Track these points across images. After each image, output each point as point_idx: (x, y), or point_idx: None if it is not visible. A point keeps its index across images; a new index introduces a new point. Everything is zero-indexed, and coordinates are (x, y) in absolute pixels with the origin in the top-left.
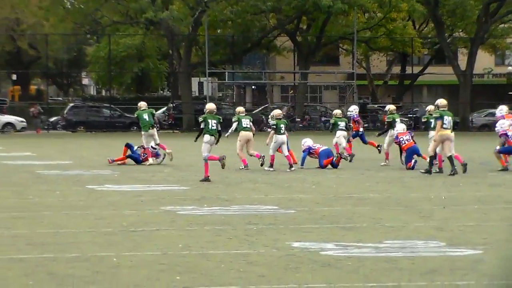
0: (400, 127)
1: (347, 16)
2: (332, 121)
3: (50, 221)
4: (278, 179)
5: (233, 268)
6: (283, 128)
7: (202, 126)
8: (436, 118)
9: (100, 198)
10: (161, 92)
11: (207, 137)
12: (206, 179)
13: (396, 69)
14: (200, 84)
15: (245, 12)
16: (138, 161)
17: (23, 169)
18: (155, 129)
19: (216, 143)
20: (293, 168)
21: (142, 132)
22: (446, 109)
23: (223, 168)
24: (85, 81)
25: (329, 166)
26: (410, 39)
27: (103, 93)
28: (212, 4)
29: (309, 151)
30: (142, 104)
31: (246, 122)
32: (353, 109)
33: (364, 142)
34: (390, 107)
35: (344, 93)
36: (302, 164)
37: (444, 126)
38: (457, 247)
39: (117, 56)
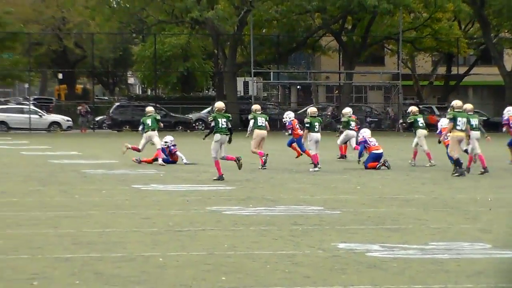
0: (444, 121)
1: (393, 16)
2: (344, 119)
3: (96, 220)
4: (323, 179)
5: (278, 268)
6: (317, 126)
7: (212, 125)
8: (450, 120)
9: (145, 197)
10: (206, 92)
11: (217, 136)
12: (220, 177)
13: (442, 70)
14: (245, 84)
15: (290, 11)
16: (168, 161)
17: (69, 168)
18: (155, 132)
19: (229, 141)
20: (319, 167)
21: (144, 134)
22: (461, 110)
23: (239, 169)
24: (131, 80)
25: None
26: (455, 39)
27: (149, 92)
28: (257, 4)
29: (364, 145)
30: (148, 109)
31: (261, 120)
32: (349, 111)
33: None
34: (413, 108)
35: (389, 93)
36: (359, 157)
37: (458, 127)
38: (503, 249)
39: (163, 55)
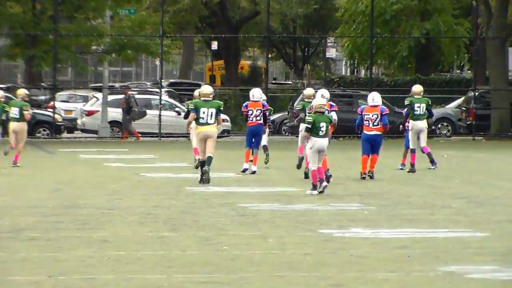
0: None
1: None
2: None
3: None
4: None
5: None
6: None
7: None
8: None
9: (340, 249)
10: (458, 72)
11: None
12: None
13: None
14: None
15: None
16: None
17: (218, 202)
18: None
19: None
20: None
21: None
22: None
23: None
24: (332, 53)
25: None
26: None
27: (362, 73)
28: None
29: None
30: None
31: None
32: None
33: None
34: None
35: None
36: None
37: None
38: None
39: (386, 11)
